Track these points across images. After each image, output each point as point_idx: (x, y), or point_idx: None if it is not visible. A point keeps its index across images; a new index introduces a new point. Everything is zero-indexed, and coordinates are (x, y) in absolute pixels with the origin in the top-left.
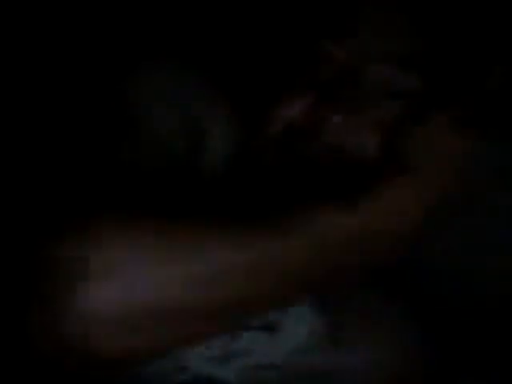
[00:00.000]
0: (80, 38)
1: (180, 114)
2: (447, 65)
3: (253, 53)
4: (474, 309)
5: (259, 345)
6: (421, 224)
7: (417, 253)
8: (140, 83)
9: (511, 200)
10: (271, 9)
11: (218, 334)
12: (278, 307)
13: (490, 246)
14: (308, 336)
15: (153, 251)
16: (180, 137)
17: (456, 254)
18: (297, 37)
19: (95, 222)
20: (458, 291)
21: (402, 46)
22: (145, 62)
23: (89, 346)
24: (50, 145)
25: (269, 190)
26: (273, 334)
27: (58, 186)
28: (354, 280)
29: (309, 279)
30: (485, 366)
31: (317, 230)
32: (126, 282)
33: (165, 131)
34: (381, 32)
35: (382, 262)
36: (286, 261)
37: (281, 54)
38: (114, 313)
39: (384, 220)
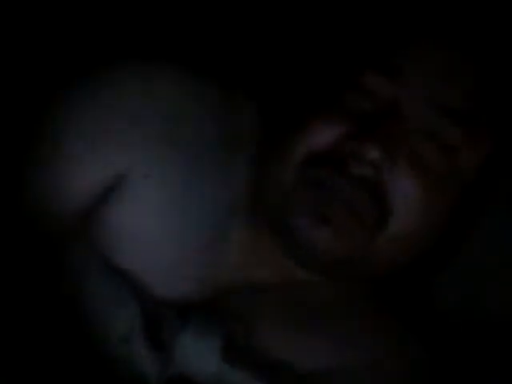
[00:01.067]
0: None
1: None
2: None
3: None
4: (474, 322)
5: None
6: None
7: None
8: None
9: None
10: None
11: None
12: None
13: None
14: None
15: None
16: None
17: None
18: (340, 62)
19: None
20: (458, 304)
21: (455, 99)
22: None
23: None
24: None
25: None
26: None
27: None
28: None
29: None
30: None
31: None
32: None
33: None
34: (437, 80)
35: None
36: None
37: (319, 75)
38: None
39: None
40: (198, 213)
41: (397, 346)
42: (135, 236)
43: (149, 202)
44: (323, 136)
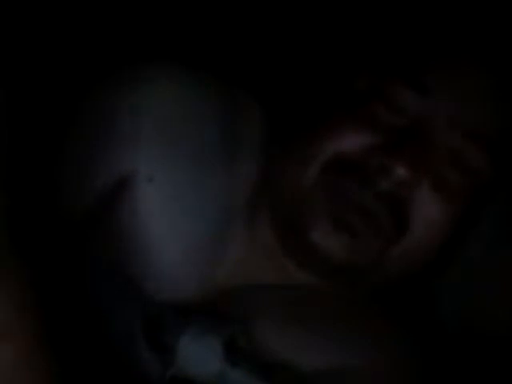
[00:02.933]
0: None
1: None
2: None
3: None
4: (473, 336)
5: None
6: None
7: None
8: None
9: None
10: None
11: None
12: None
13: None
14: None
15: None
16: None
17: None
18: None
19: None
20: (458, 317)
21: (482, 124)
22: None
23: None
24: None
25: None
26: None
27: None
28: None
29: None
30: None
31: None
32: None
33: None
34: (465, 105)
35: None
36: None
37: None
38: None
39: None
40: (199, 213)
41: (396, 346)
42: (137, 236)
43: (150, 203)
44: (352, 144)
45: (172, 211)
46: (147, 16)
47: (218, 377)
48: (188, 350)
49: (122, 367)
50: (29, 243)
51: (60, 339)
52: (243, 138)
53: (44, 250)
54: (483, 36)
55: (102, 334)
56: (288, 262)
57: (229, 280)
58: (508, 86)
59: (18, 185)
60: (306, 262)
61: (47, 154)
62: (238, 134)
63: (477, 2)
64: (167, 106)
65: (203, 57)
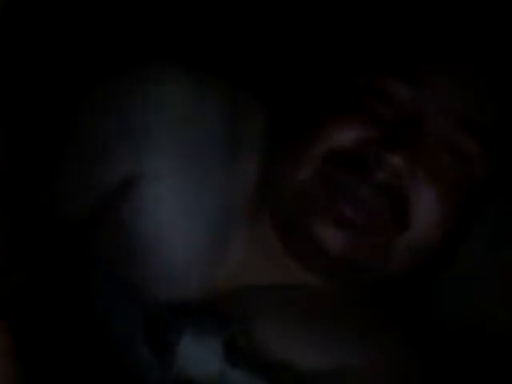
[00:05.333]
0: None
1: None
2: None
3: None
4: (473, 336)
5: None
6: None
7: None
8: None
9: None
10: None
11: None
12: None
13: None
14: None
15: None
16: None
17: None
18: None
19: None
20: (458, 317)
21: (472, 109)
22: None
23: None
24: None
25: None
26: None
27: None
28: None
29: None
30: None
31: None
32: None
33: None
34: (457, 93)
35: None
36: None
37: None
38: None
39: None
40: (199, 213)
41: (396, 346)
42: (137, 236)
43: (151, 203)
44: (347, 135)
45: (172, 211)
46: (147, 16)
47: (218, 377)
48: (188, 350)
49: (122, 367)
50: (28, 243)
51: (59, 339)
52: (243, 138)
53: (44, 250)
54: (469, 27)
55: (103, 334)
56: (289, 262)
57: (229, 280)
58: (498, 76)
59: (18, 185)
60: (307, 259)
61: (50, 154)
62: (238, 134)
63: None
64: (167, 106)
65: (203, 57)
